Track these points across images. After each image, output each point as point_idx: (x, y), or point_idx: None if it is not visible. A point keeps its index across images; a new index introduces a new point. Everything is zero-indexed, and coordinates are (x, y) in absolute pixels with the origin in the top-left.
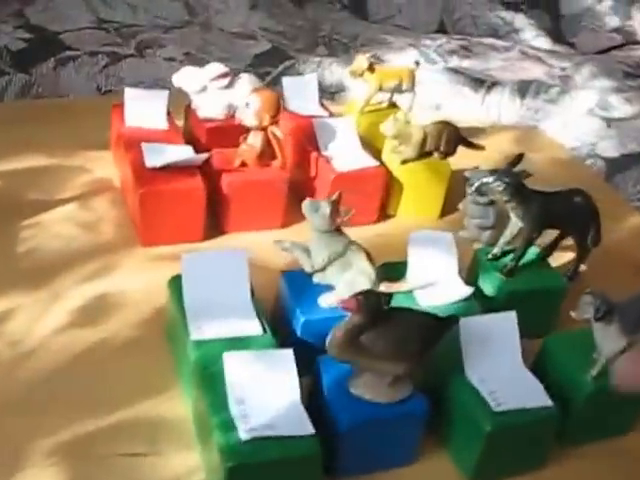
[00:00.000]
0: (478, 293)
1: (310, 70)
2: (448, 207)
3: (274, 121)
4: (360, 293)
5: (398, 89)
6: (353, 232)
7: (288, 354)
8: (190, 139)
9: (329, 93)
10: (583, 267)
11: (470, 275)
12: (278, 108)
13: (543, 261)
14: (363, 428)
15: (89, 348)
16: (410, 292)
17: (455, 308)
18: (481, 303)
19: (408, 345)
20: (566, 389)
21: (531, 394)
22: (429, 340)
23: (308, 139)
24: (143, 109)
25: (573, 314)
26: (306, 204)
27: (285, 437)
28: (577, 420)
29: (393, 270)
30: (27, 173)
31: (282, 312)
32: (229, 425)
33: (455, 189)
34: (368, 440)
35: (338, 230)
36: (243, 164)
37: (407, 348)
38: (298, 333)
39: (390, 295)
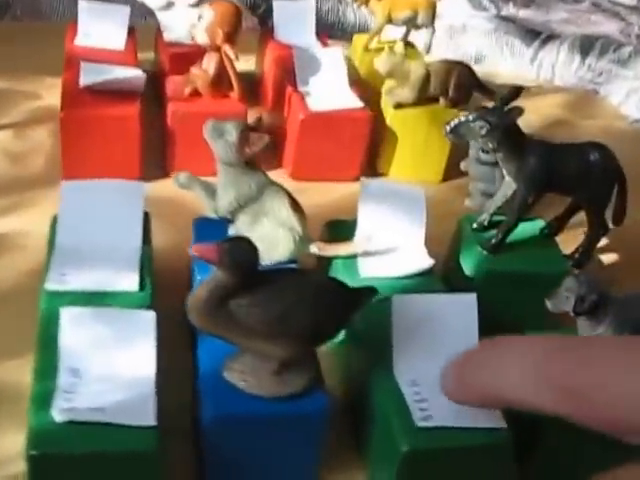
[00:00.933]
0: (455, 273)
1: (327, 5)
2: (455, 170)
3: (229, 40)
4: (227, 241)
5: (412, 22)
6: (326, 189)
7: (148, 317)
8: (160, 70)
9: (350, 34)
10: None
11: (452, 248)
12: (235, 23)
13: (548, 238)
14: (230, 426)
15: None
16: (353, 257)
17: (406, 284)
18: (455, 284)
19: (297, 319)
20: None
21: (478, 409)
22: (330, 315)
23: (287, 72)
24: (99, 26)
25: (548, 303)
26: (208, 126)
27: (115, 426)
28: (544, 454)
29: (341, 230)
30: None
31: (188, 269)
32: (48, 400)
33: (466, 149)
34: (243, 443)
35: (251, 164)
36: (197, 93)
37: (296, 323)
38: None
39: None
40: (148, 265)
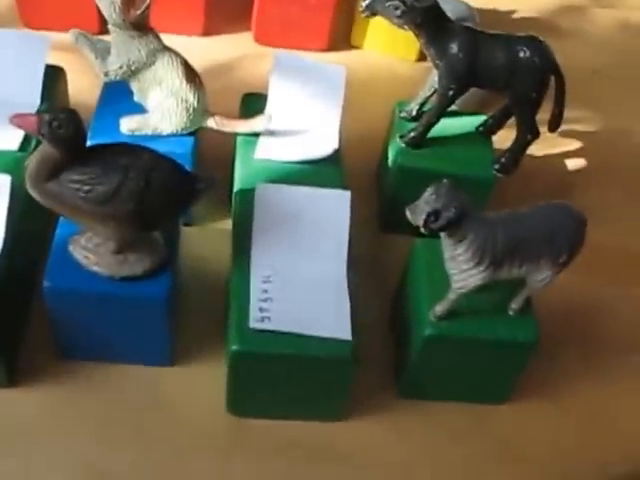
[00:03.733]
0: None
1: None
2: None
3: None
4: (48, 112)
5: None
6: None
7: (2, 180)
8: None
9: None
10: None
11: (387, 136)
12: None
13: (482, 136)
14: (68, 300)
15: None
16: (255, 136)
17: (300, 171)
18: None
19: (123, 201)
20: (408, 328)
21: (329, 315)
22: (161, 201)
23: None
24: None
25: (408, 214)
26: None
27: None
28: (411, 367)
29: (255, 104)
30: None
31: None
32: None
33: None
34: (85, 317)
35: (143, 29)
36: None
37: (121, 206)
38: None
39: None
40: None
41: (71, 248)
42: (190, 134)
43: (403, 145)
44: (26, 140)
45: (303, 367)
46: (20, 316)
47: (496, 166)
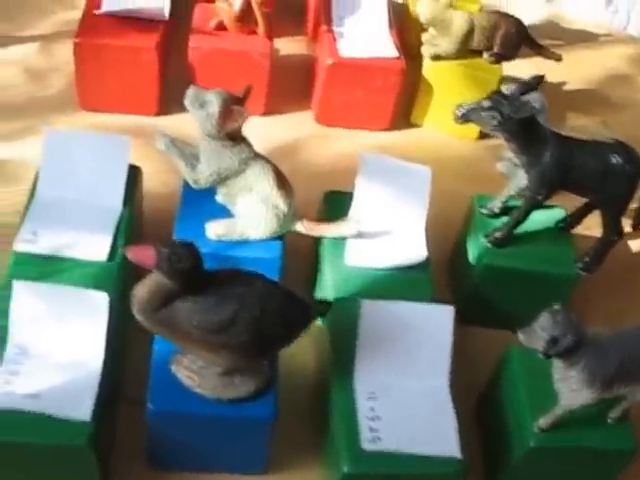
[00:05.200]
0: (459, 258)
1: None
2: None
3: None
4: (167, 246)
5: None
6: (353, 136)
7: (100, 299)
8: None
9: None
10: None
11: (462, 229)
12: None
13: (562, 232)
14: (172, 421)
15: None
16: (341, 239)
17: (391, 279)
18: (457, 271)
19: (239, 331)
20: (505, 434)
21: (437, 433)
22: (275, 329)
23: (324, 8)
24: None
25: (521, 337)
26: (189, 94)
27: (52, 419)
28: (510, 475)
29: (338, 203)
30: None
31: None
32: None
33: None
34: (188, 436)
35: (234, 137)
36: (223, 27)
37: (236, 335)
38: None
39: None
40: (124, 231)
41: (174, 368)
42: (277, 238)
43: (488, 244)
44: (114, 249)
45: None
46: (112, 425)
47: (580, 265)
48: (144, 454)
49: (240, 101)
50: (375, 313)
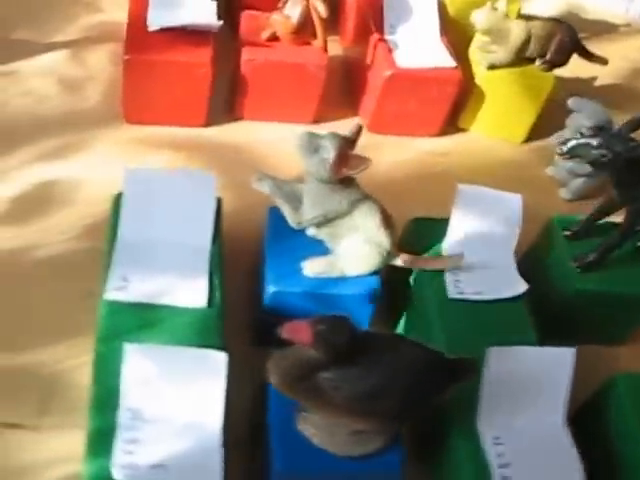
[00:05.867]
0: (541, 283)
1: None
2: (541, 129)
3: None
4: (322, 322)
5: None
6: (404, 143)
7: (219, 359)
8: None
9: None
10: None
11: (537, 251)
12: None
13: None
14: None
15: (4, 255)
16: (440, 272)
17: (492, 312)
18: (539, 297)
19: (388, 398)
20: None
21: (562, 475)
22: (424, 393)
23: (375, 14)
24: None
25: None
26: (302, 139)
27: None
28: None
29: (428, 229)
30: (24, 2)
31: (259, 262)
32: (106, 443)
33: (553, 111)
34: None
35: (345, 180)
36: (274, 37)
37: (386, 402)
38: (264, 304)
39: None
40: (218, 273)
41: (300, 427)
42: (373, 273)
43: (576, 269)
44: (211, 292)
45: None
46: None
47: None
48: None
49: (353, 143)
50: (500, 359)
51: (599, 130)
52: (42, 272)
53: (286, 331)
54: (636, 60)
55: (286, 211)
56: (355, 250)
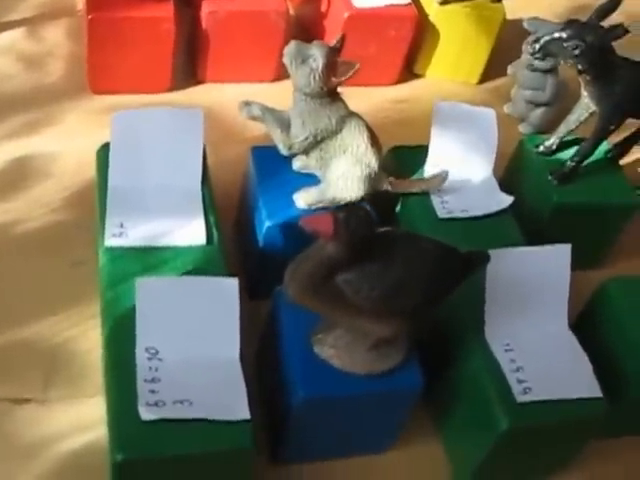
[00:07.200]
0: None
1: None
2: (492, 70)
3: None
4: (342, 209)
5: None
6: (363, 94)
7: (230, 286)
8: None
9: None
10: None
11: (511, 174)
12: None
13: (612, 162)
14: (324, 405)
15: None
16: (425, 194)
17: (483, 226)
18: (518, 218)
19: (409, 295)
20: (621, 366)
21: (574, 375)
22: (442, 287)
23: None
24: None
25: None
26: (290, 49)
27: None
28: (626, 414)
29: (406, 157)
30: None
31: (246, 206)
32: (128, 390)
33: (506, 46)
34: (331, 420)
35: (333, 95)
36: None
37: (407, 300)
38: (260, 242)
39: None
40: (212, 210)
41: (317, 349)
42: (364, 200)
43: (554, 181)
44: (209, 230)
45: (564, 432)
46: None
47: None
48: (272, 448)
49: (338, 51)
50: (500, 262)
51: (568, 23)
52: (29, 246)
53: (306, 222)
54: (635, 14)
55: (276, 135)
56: (345, 172)
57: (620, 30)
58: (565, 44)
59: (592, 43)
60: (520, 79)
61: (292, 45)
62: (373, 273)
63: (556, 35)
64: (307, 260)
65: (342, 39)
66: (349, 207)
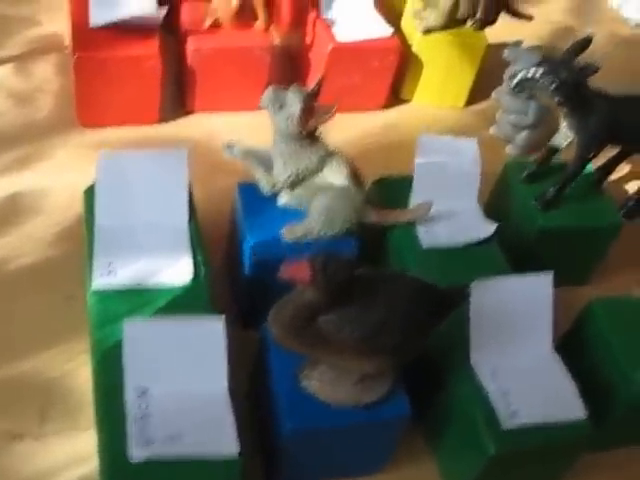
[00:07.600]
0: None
1: None
2: (478, 94)
3: None
4: (320, 255)
5: None
6: (352, 120)
7: (216, 324)
8: None
9: None
10: None
11: (496, 198)
12: None
13: (596, 184)
14: (311, 437)
15: None
16: (411, 224)
17: (467, 255)
18: (504, 241)
19: (388, 334)
20: (608, 384)
21: (560, 397)
22: (424, 324)
23: None
24: None
25: None
26: (268, 95)
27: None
28: (613, 429)
29: (391, 188)
30: None
31: (234, 240)
32: (118, 428)
33: (489, 71)
34: (320, 449)
35: (312, 137)
36: (216, 24)
37: (385, 338)
38: (248, 275)
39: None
40: (199, 247)
41: (304, 384)
42: (350, 235)
43: (538, 207)
44: (196, 267)
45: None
46: None
47: (623, 211)
48: (267, 475)
49: (315, 96)
50: (484, 293)
51: (543, 61)
52: (22, 281)
53: (285, 271)
54: (559, 22)
55: (259, 175)
56: (329, 207)
57: (592, 68)
58: (541, 81)
59: (566, 79)
60: (504, 104)
61: (270, 91)
62: (354, 315)
63: (530, 74)
64: (288, 304)
65: (319, 83)
66: (328, 253)
